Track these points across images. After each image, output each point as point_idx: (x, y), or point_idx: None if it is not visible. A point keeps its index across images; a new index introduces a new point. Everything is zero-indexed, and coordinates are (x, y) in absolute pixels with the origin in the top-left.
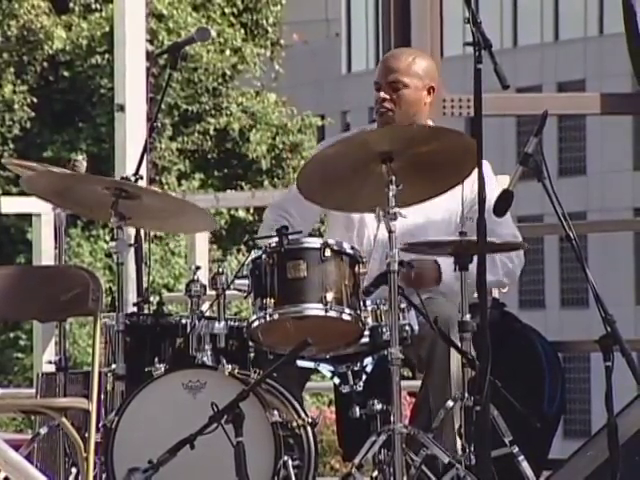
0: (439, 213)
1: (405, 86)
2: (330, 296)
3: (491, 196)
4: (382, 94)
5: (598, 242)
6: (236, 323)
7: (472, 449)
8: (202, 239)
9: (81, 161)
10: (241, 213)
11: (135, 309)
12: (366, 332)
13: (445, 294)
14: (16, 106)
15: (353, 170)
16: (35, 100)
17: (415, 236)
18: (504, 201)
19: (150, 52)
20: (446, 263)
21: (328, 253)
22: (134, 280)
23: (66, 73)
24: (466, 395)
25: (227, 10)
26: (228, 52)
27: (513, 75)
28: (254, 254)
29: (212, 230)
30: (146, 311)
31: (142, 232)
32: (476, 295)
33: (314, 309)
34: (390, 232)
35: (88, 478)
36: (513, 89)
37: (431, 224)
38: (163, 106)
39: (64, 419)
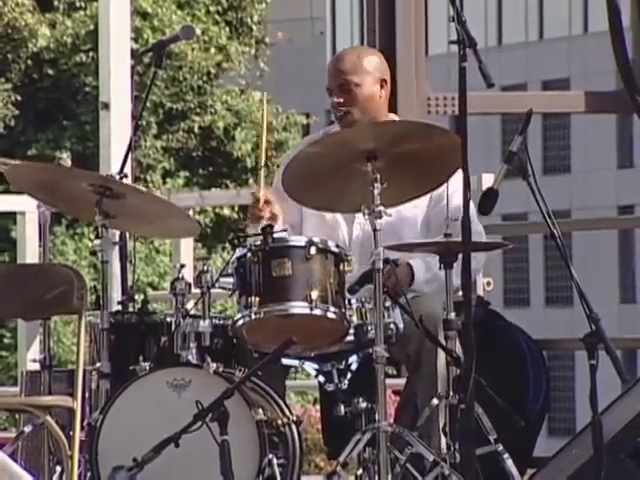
0: (409, 208)
1: (356, 85)
2: (315, 294)
3: (459, 202)
4: (335, 99)
5: (582, 240)
6: (221, 321)
7: (457, 447)
8: None
9: (65, 159)
10: (226, 211)
11: (120, 307)
12: (351, 330)
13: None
14: (0, 104)
15: (336, 169)
16: (19, 98)
17: (387, 233)
18: (489, 199)
19: (135, 50)
20: (418, 265)
21: (313, 251)
22: (119, 278)
23: (50, 71)
24: (451, 393)
25: (212, 8)
26: (213, 50)
27: (498, 74)
28: (239, 252)
29: (195, 236)
30: (131, 309)
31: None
32: (461, 293)
33: (299, 307)
34: (375, 231)
35: (72, 477)
36: (498, 88)
37: (403, 220)
38: (148, 104)
39: (48, 417)
